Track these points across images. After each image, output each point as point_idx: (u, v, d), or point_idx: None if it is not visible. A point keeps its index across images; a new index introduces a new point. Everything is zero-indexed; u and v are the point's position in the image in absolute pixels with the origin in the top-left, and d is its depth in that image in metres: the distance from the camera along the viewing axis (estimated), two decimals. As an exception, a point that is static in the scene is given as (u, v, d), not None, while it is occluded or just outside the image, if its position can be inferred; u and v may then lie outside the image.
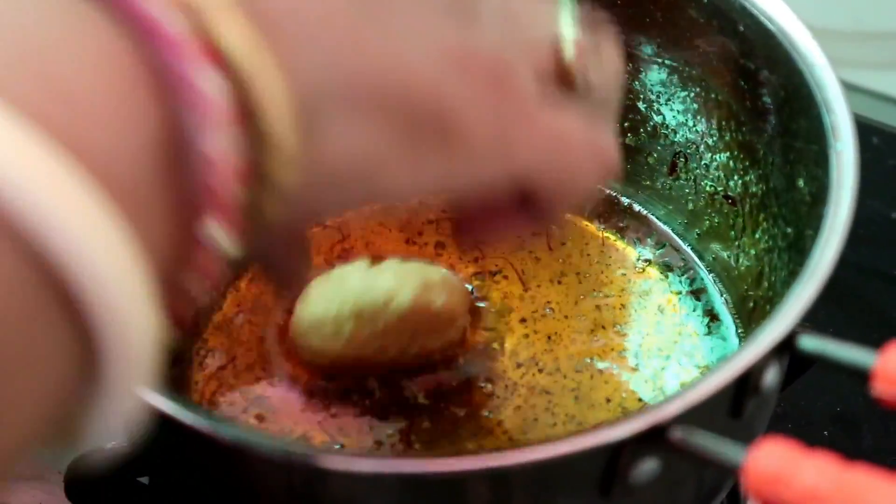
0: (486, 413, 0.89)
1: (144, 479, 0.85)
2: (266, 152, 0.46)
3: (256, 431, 0.77)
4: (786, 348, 0.72)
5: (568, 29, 0.59)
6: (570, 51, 0.59)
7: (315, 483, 0.73)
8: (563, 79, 0.59)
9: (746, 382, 0.72)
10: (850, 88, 0.83)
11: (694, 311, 0.96)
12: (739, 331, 0.95)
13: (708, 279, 0.99)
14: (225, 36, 0.42)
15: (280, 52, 0.45)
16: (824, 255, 0.75)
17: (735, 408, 0.74)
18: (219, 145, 0.44)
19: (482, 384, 0.91)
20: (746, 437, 0.83)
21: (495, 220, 0.68)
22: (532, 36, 0.58)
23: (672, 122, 1.01)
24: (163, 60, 0.41)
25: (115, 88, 0.42)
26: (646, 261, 0.99)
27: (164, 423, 0.70)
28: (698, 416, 0.69)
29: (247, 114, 0.45)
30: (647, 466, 0.70)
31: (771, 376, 0.74)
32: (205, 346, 0.93)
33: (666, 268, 0.99)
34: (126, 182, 0.43)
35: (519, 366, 0.91)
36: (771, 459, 0.64)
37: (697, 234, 1.01)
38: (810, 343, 0.71)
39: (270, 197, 0.48)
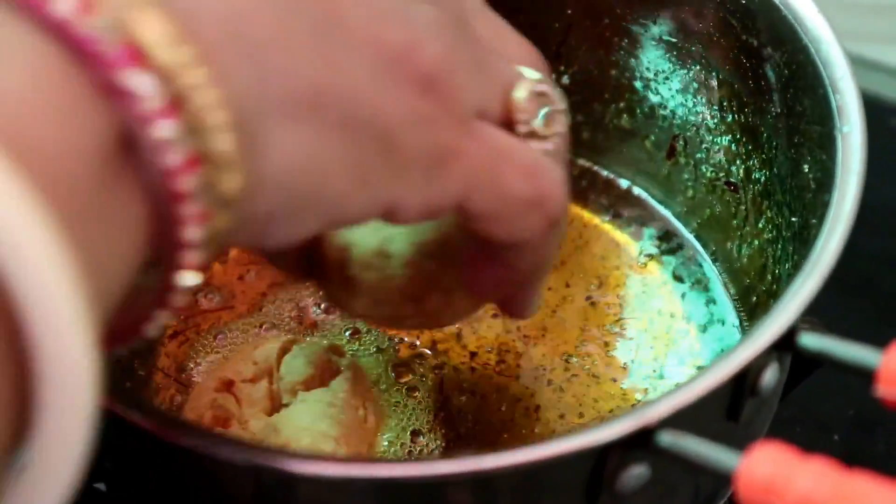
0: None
1: (101, 485, 0.81)
2: (205, 149, 0.46)
3: (219, 435, 0.72)
4: (786, 346, 0.67)
5: (526, 78, 0.61)
6: (520, 93, 0.61)
7: (283, 489, 0.68)
8: (507, 119, 0.61)
9: (743, 382, 0.67)
10: (866, 65, 0.78)
11: (695, 305, 0.91)
12: (745, 324, 0.90)
13: (711, 270, 0.93)
14: (145, 34, 0.43)
15: (215, 62, 0.46)
16: (828, 246, 0.70)
17: (732, 410, 0.70)
18: (163, 137, 0.44)
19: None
20: (745, 442, 0.78)
21: (477, 275, 0.69)
22: (491, 65, 0.60)
23: (671, 103, 0.96)
24: (86, 63, 0.42)
25: (47, 94, 0.42)
26: (648, 255, 0.94)
27: (120, 426, 0.66)
28: (691, 418, 0.64)
29: (180, 109, 0.44)
30: (636, 472, 0.65)
31: (770, 376, 0.69)
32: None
33: (667, 257, 0.95)
34: (75, 188, 0.42)
35: (500, 362, 0.87)
36: (765, 465, 0.59)
37: (698, 223, 0.96)
38: (812, 341, 0.66)
39: (220, 206, 0.47)
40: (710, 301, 0.92)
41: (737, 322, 0.91)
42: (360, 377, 0.86)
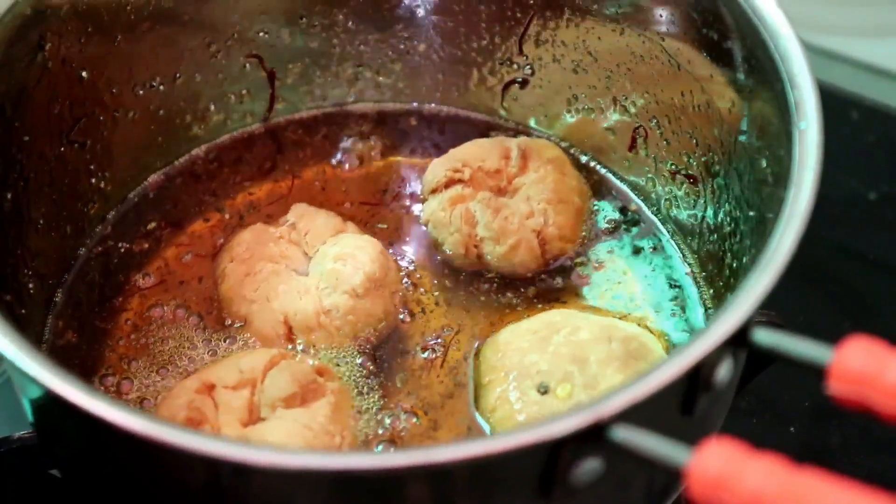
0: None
1: (56, 472, 0.80)
2: None
3: (175, 425, 0.71)
4: (739, 342, 0.67)
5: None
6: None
7: (239, 480, 0.68)
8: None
9: (697, 377, 0.67)
10: (828, 57, 0.78)
11: (660, 291, 0.93)
12: (709, 310, 0.91)
13: (677, 256, 0.94)
14: None
15: None
16: (783, 243, 0.70)
17: (686, 404, 0.69)
18: None
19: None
20: (699, 435, 0.78)
21: None
22: None
23: (632, 94, 0.96)
24: None
25: None
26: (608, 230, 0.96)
27: (74, 413, 0.66)
28: (644, 413, 0.64)
29: None
30: (589, 466, 0.65)
31: (724, 371, 0.69)
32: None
33: (627, 234, 0.96)
34: None
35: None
36: (716, 461, 0.59)
37: (659, 212, 0.96)
38: (766, 337, 0.66)
39: None
40: (675, 283, 0.93)
41: (700, 307, 0.92)
42: (344, 404, 0.85)
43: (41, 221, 0.90)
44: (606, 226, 0.97)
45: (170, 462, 0.68)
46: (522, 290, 0.93)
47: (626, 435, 0.63)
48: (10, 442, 0.85)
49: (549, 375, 0.84)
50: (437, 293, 0.93)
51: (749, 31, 0.81)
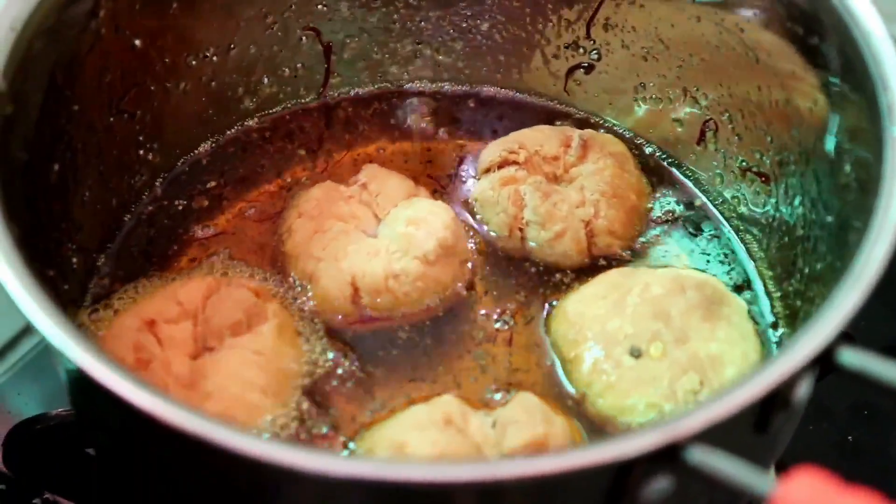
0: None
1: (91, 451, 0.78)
2: None
3: (220, 422, 0.68)
4: (824, 363, 0.63)
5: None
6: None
7: (281, 484, 0.65)
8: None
9: (776, 397, 0.64)
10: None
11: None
12: (776, 312, 0.87)
13: (744, 258, 0.90)
14: None
15: None
16: (872, 256, 0.66)
17: (761, 423, 0.66)
18: None
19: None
20: (770, 450, 0.75)
21: None
22: None
23: (704, 85, 0.92)
24: None
25: None
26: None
27: (112, 400, 0.63)
28: (719, 433, 0.61)
29: None
30: (659, 486, 0.62)
31: (803, 389, 0.65)
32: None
33: (693, 233, 0.92)
34: None
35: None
36: (803, 493, 0.56)
37: (725, 208, 0.93)
38: (853, 359, 0.63)
39: None
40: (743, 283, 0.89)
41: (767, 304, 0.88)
42: (287, 323, 0.83)
43: (87, 194, 0.87)
44: (667, 219, 0.93)
45: (210, 458, 0.65)
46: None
47: (702, 457, 0.59)
48: (48, 419, 0.83)
49: (637, 338, 0.81)
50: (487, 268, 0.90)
51: (839, 27, 0.77)
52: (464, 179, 0.96)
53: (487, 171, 0.93)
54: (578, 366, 0.82)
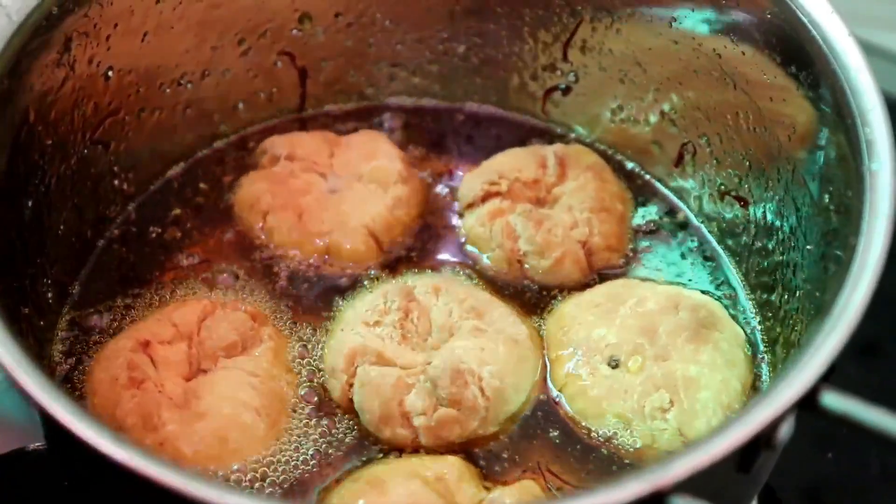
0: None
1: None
2: None
3: (179, 469, 0.66)
4: (807, 406, 0.63)
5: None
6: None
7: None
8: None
9: (759, 440, 0.64)
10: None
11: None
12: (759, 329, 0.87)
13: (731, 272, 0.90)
14: None
15: None
16: (853, 298, 0.66)
17: (744, 464, 0.66)
18: None
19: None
20: (752, 484, 0.75)
21: None
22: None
23: (681, 109, 0.92)
24: None
25: None
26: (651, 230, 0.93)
27: (75, 443, 0.62)
28: (704, 477, 0.61)
29: None
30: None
31: (786, 430, 0.65)
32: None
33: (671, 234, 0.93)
34: None
35: None
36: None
37: (708, 229, 0.93)
38: (836, 402, 0.63)
39: None
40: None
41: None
42: (281, 346, 0.84)
43: (61, 227, 0.86)
44: (649, 229, 0.93)
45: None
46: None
47: (687, 506, 0.60)
48: (26, 454, 0.82)
49: (618, 349, 0.82)
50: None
51: (818, 58, 0.77)
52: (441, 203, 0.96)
53: (470, 206, 0.93)
54: (559, 366, 0.83)
